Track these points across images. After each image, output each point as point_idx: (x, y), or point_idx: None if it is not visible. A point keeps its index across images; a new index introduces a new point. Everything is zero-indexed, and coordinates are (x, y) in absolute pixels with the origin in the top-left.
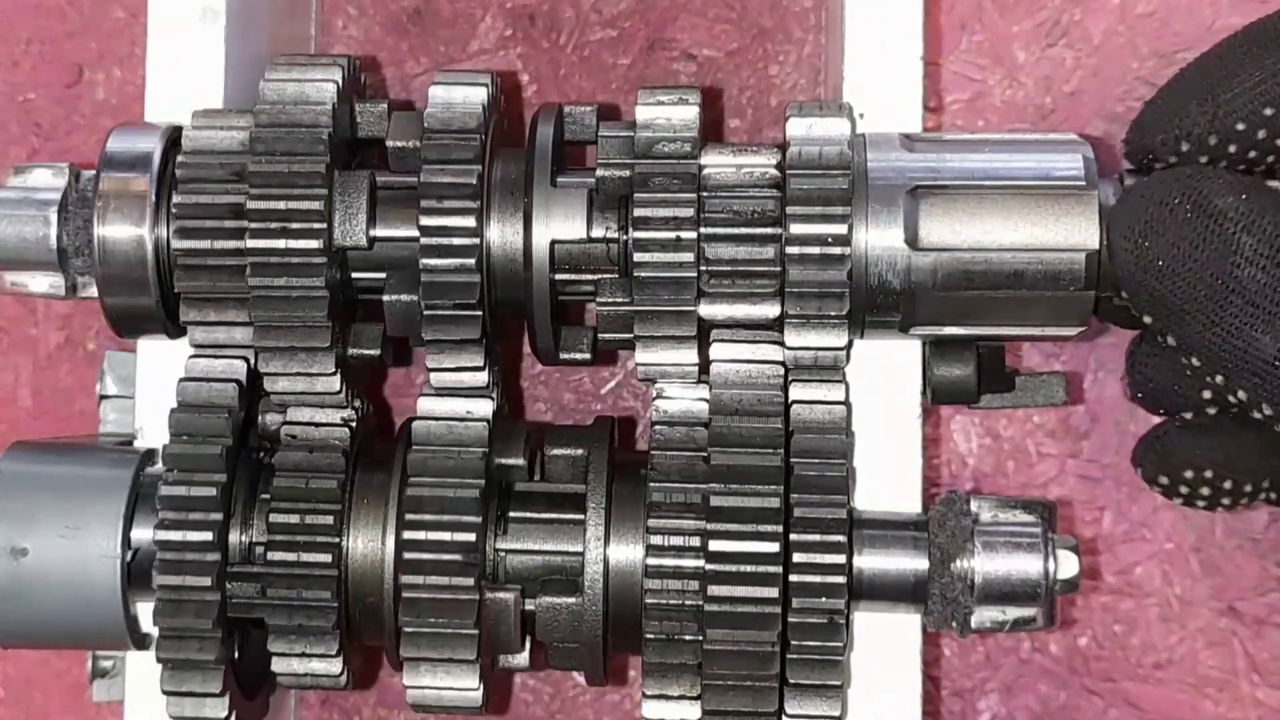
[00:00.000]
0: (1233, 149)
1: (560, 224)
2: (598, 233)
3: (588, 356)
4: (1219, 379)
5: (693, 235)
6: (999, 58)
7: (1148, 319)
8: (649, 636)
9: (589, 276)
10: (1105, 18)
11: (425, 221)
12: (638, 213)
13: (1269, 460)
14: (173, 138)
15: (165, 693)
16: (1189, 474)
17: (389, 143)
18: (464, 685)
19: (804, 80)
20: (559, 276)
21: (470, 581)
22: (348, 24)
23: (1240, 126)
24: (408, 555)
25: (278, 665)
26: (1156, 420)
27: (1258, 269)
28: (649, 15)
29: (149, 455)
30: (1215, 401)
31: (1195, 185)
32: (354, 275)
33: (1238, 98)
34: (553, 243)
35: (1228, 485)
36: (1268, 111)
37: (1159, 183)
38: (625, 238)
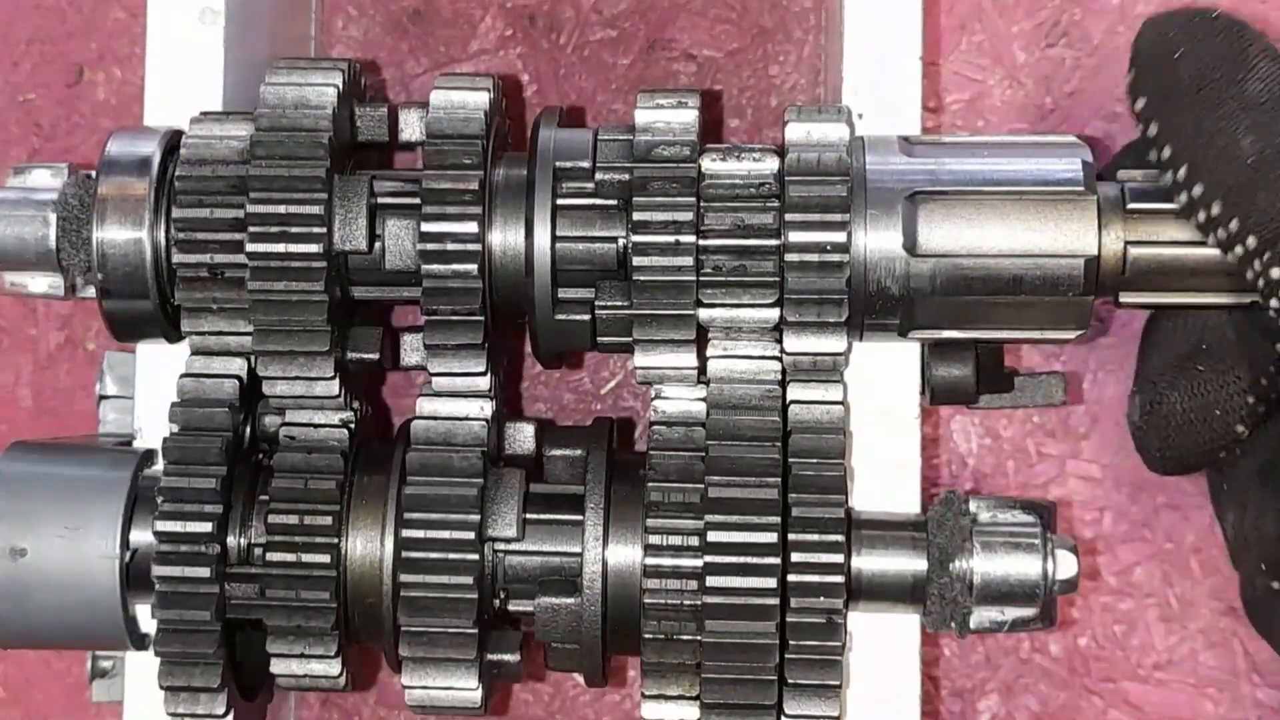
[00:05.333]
0: None
1: (563, 225)
2: (600, 234)
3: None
4: (1181, 172)
5: (692, 239)
6: (999, 58)
7: (1140, 102)
8: (647, 636)
9: (590, 278)
10: (1105, 18)
11: (427, 228)
12: (637, 216)
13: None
14: (172, 142)
15: (163, 688)
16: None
17: (401, 137)
18: (463, 685)
19: (804, 80)
20: (561, 278)
21: (469, 580)
22: (348, 24)
23: None
24: (406, 554)
25: (277, 666)
26: None
27: (1264, 86)
28: (649, 15)
29: (148, 455)
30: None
31: (1235, 22)
32: (353, 279)
33: None
34: (554, 241)
35: None
36: None
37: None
38: (625, 241)
